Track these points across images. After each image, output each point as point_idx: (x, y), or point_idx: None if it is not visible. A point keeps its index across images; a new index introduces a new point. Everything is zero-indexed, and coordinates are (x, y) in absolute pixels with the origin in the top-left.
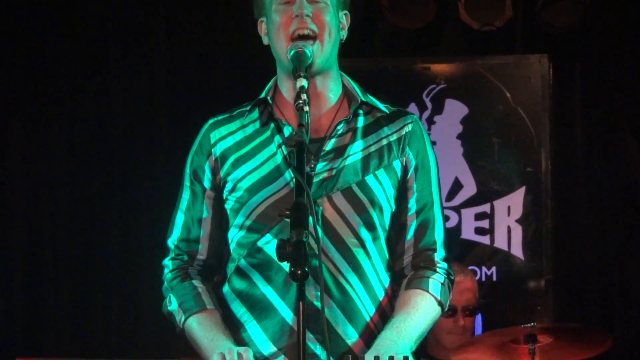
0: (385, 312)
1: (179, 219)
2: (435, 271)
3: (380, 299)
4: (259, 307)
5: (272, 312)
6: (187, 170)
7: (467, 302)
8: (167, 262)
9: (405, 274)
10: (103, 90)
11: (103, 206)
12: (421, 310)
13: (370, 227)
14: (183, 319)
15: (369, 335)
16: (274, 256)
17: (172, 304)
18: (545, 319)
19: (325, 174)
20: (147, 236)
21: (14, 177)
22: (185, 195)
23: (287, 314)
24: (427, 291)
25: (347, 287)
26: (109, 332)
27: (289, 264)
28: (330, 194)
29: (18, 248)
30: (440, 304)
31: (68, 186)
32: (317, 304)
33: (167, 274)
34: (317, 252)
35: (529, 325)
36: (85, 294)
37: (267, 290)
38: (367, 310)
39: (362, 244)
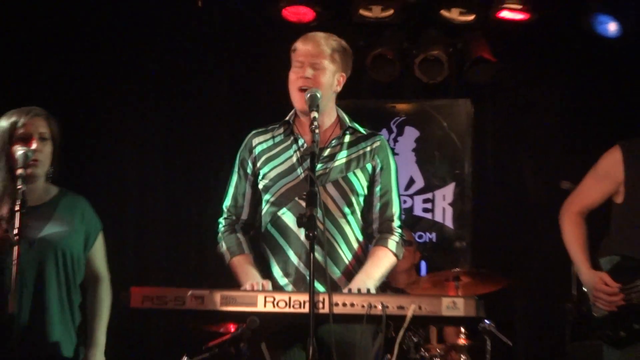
0: (360, 259)
1: (230, 192)
2: (393, 234)
3: (356, 250)
4: (277, 251)
5: (284, 254)
6: (237, 161)
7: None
8: (221, 220)
9: (374, 236)
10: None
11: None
12: (382, 260)
13: (350, 205)
14: (228, 257)
15: (348, 274)
16: (288, 222)
17: (222, 248)
18: (466, 266)
19: (322, 171)
20: (217, 203)
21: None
22: (235, 177)
23: (293, 257)
24: (387, 247)
25: (334, 243)
26: (201, 268)
27: (304, 229)
28: (325, 184)
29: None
30: (395, 255)
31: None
32: (318, 256)
33: (221, 227)
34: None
35: (455, 270)
36: (182, 239)
37: (282, 242)
38: (347, 257)
39: (344, 217)
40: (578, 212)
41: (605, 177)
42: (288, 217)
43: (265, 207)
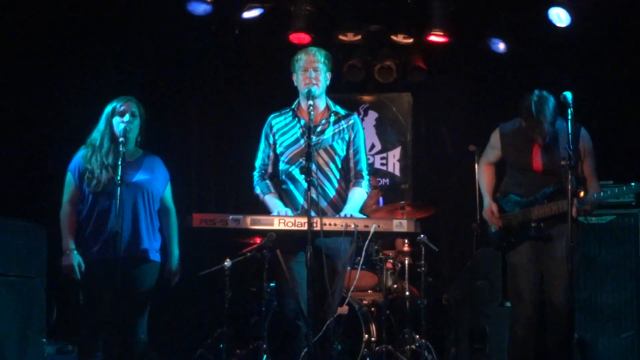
0: (341, 195)
1: (260, 154)
2: (363, 178)
3: (337, 189)
4: (289, 194)
5: (294, 196)
6: (263, 134)
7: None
8: (255, 173)
9: (351, 180)
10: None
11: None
12: (358, 196)
13: (335, 163)
14: (262, 196)
15: (334, 205)
16: (296, 175)
17: (257, 190)
18: (408, 200)
19: (317, 142)
20: (249, 160)
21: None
22: (262, 145)
23: (300, 199)
24: (361, 187)
25: (324, 186)
26: (239, 201)
27: (304, 175)
28: (318, 150)
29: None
30: (366, 192)
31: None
32: (313, 195)
33: (255, 178)
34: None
35: (401, 202)
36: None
37: (292, 188)
38: (331, 195)
39: (331, 170)
40: (487, 163)
41: (493, 147)
42: (296, 172)
43: (281, 165)
